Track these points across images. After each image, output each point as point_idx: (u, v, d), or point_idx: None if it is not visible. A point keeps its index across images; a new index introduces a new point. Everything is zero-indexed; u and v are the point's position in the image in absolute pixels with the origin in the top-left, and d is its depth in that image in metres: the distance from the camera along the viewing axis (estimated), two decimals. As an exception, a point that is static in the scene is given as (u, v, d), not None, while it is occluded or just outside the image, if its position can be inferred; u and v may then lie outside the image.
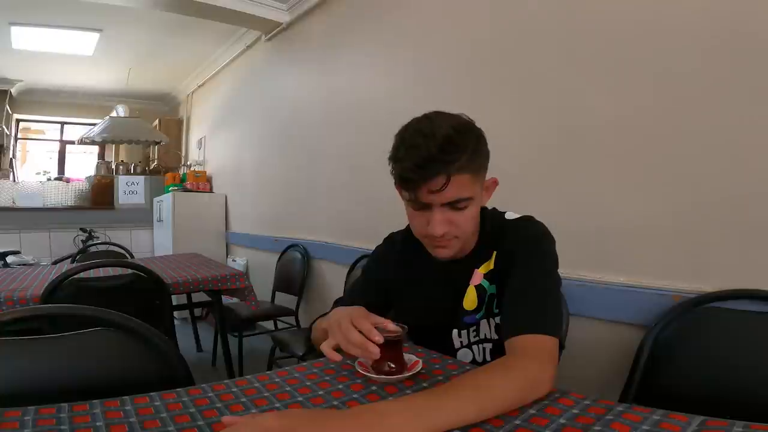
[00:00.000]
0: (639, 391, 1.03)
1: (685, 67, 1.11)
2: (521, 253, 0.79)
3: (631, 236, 1.22)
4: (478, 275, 0.85)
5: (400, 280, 0.94)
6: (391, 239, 0.99)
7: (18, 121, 5.07)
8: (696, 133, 1.09)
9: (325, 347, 0.69)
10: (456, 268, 0.87)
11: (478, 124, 0.79)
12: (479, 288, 0.85)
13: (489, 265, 0.85)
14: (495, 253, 0.84)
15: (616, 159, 1.25)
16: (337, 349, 0.68)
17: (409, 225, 0.88)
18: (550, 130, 1.42)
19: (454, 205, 0.75)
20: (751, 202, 1.01)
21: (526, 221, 0.85)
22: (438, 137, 0.70)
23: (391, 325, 0.71)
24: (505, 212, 0.88)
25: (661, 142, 1.15)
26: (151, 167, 5.12)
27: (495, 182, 0.84)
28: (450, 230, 0.77)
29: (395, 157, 0.75)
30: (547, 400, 0.59)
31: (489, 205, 0.91)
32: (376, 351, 0.65)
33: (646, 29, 1.18)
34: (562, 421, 0.53)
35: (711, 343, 1.00)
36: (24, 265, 2.94)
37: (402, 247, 0.94)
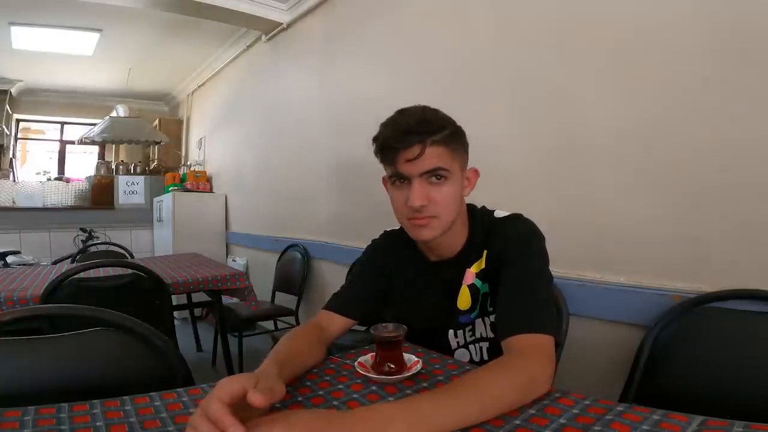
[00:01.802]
0: (639, 391, 1.03)
1: (684, 67, 1.10)
2: (511, 252, 0.79)
3: (631, 236, 1.22)
4: (471, 275, 0.85)
5: (394, 273, 0.94)
6: (386, 234, 1.00)
7: (18, 121, 5.06)
8: (696, 133, 1.09)
9: None
10: (448, 268, 0.87)
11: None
12: (472, 288, 0.85)
13: (480, 264, 0.85)
14: (486, 252, 0.84)
15: (617, 159, 1.25)
16: None
17: (401, 226, 0.87)
18: (550, 129, 1.42)
19: (432, 175, 0.77)
20: (751, 202, 1.01)
21: (514, 219, 0.85)
22: (416, 114, 0.78)
23: (390, 326, 0.72)
24: (494, 210, 0.88)
25: (661, 142, 1.15)
26: (151, 167, 5.11)
27: (476, 172, 0.86)
28: (428, 206, 0.78)
29: (378, 134, 0.81)
30: (547, 400, 0.59)
31: (486, 204, 0.92)
32: None
33: (645, 31, 1.18)
34: (562, 421, 0.53)
35: (711, 343, 1.00)
36: (24, 265, 2.94)
37: (397, 243, 0.94)
